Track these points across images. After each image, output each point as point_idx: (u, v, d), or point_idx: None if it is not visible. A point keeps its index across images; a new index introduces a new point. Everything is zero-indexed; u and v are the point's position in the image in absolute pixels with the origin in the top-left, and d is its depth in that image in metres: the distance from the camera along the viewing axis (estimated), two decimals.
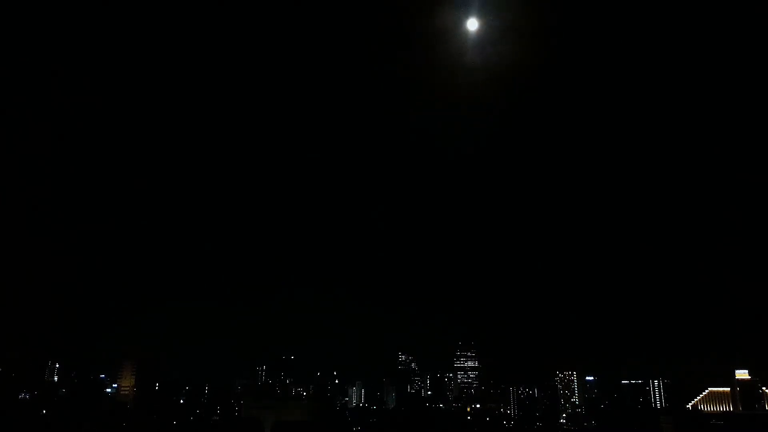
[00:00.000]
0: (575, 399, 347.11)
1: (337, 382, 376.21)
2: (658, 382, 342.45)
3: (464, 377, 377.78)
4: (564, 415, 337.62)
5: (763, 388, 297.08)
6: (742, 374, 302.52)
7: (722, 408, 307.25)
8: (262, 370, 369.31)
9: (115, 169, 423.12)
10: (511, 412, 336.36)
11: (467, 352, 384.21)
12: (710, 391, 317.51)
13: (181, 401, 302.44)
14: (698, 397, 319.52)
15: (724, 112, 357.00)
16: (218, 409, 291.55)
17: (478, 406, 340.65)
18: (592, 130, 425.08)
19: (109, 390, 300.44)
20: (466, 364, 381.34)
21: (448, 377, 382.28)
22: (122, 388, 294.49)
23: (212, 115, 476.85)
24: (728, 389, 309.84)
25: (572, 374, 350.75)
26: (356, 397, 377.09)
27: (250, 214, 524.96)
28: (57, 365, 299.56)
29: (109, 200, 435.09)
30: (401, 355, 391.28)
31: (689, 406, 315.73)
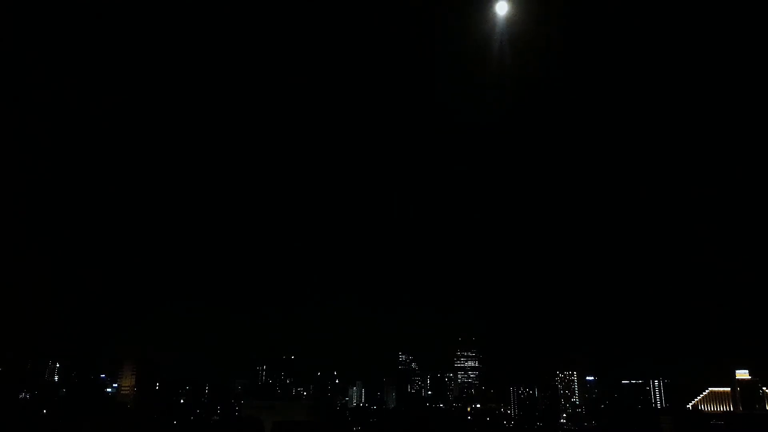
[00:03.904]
0: (575, 399, 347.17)
1: (337, 382, 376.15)
2: (658, 382, 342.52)
3: (464, 377, 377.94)
4: (564, 415, 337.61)
5: (763, 388, 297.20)
6: (742, 374, 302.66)
7: (722, 408, 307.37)
8: (262, 370, 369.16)
9: (118, 170, 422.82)
10: (511, 412, 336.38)
11: (467, 352, 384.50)
12: (710, 391, 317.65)
13: (181, 401, 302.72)
14: (698, 397, 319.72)
15: (734, 113, 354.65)
16: (218, 409, 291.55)
17: (478, 406, 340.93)
18: (603, 127, 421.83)
19: (109, 390, 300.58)
20: (466, 364, 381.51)
21: (448, 377, 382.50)
22: (122, 388, 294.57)
23: (216, 115, 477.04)
24: (728, 389, 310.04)
25: (572, 374, 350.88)
26: (356, 397, 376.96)
27: (250, 215, 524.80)
28: (57, 365, 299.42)
29: (111, 200, 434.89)
30: (401, 355, 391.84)
31: (689, 406, 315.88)
